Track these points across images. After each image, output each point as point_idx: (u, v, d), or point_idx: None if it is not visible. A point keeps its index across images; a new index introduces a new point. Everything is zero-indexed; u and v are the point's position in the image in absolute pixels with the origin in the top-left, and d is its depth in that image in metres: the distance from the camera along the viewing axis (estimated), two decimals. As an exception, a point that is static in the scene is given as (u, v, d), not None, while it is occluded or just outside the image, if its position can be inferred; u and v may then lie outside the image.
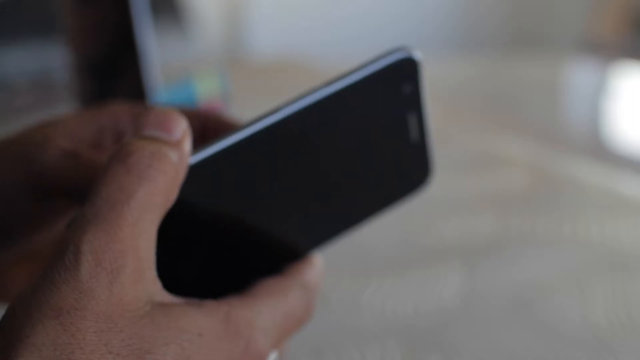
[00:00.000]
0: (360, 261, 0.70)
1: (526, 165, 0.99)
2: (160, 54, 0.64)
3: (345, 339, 0.58)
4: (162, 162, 0.30)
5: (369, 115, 0.36)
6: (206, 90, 0.74)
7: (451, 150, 1.06)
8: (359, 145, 0.36)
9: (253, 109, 0.44)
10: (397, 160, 0.38)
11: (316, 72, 1.59)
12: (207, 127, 0.38)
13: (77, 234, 0.28)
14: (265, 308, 0.32)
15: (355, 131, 0.35)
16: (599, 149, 1.49)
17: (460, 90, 1.80)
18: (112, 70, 0.64)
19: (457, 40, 3.11)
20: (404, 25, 3.14)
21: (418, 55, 0.36)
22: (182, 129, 0.31)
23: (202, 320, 0.30)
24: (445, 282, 0.66)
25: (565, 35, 3.00)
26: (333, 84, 0.34)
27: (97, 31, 0.70)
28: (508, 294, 0.64)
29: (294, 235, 0.35)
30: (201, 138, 0.38)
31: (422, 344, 0.57)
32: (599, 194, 0.89)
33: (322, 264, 0.36)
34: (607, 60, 2.43)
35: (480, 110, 1.61)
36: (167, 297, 0.30)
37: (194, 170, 0.32)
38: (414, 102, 0.37)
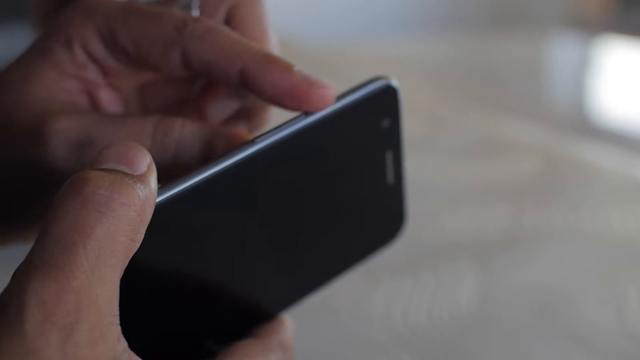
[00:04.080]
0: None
1: (535, 149, 0.93)
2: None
3: (351, 352, 0.53)
4: (125, 194, 0.25)
5: (346, 153, 0.33)
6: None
7: (449, 135, 1.00)
8: (336, 188, 0.33)
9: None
10: (373, 207, 0.35)
11: (300, 51, 1.53)
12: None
13: (21, 283, 0.24)
14: None
15: (332, 171, 0.33)
16: (584, 124, 1.49)
17: (444, 70, 1.77)
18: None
19: (438, 19, 3.06)
20: (384, 3, 3.08)
21: (397, 84, 0.34)
22: (146, 162, 0.27)
23: None
24: (459, 285, 0.60)
25: (549, 11, 2.97)
26: (310, 115, 0.32)
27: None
28: (529, 298, 0.58)
29: (266, 292, 0.33)
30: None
31: (437, 356, 0.52)
32: (616, 181, 0.84)
33: (292, 323, 0.34)
34: (591, 36, 2.41)
35: (467, 90, 1.57)
36: (134, 358, 0.26)
37: (161, 211, 0.28)
38: (393, 139, 0.35)
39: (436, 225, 0.71)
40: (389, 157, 0.35)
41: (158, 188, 0.28)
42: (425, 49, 1.89)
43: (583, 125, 1.52)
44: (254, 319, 0.33)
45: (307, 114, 0.32)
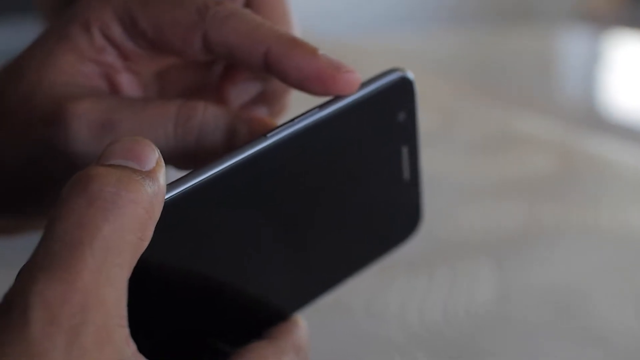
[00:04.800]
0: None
1: (549, 144, 0.92)
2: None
3: (365, 351, 0.52)
4: (133, 191, 0.24)
5: (361, 147, 0.32)
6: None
7: (461, 129, 0.99)
8: (350, 184, 0.33)
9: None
10: (388, 203, 0.35)
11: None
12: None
13: (25, 284, 0.23)
14: None
15: (347, 167, 0.32)
16: (596, 119, 1.48)
17: (453, 64, 1.76)
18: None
19: (447, 13, 3.05)
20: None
21: (412, 76, 0.33)
22: (155, 157, 0.26)
23: None
24: (476, 283, 0.59)
25: (558, 5, 2.96)
26: (324, 108, 0.31)
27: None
28: (546, 296, 0.57)
29: (279, 291, 0.32)
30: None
31: (453, 355, 0.51)
32: (634, 176, 0.82)
33: (306, 324, 0.33)
34: (601, 30, 2.39)
35: (477, 84, 1.56)
36: None
37: (170, 208, 0.27)
38: (408, 133, 0.34)
39: (451, 221, 0.70)
40: (404, 151, 0.34)
41: (167, 184, 0.27)
42: (434, 43, 1.88)
43: (595, 119, 1.51)
44: (267, 319, 0.32)
45: (321, 107, 0.31)
